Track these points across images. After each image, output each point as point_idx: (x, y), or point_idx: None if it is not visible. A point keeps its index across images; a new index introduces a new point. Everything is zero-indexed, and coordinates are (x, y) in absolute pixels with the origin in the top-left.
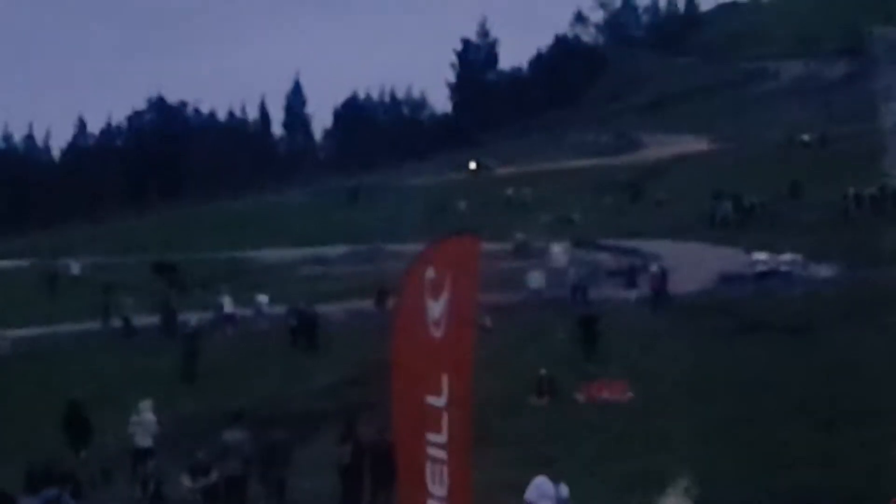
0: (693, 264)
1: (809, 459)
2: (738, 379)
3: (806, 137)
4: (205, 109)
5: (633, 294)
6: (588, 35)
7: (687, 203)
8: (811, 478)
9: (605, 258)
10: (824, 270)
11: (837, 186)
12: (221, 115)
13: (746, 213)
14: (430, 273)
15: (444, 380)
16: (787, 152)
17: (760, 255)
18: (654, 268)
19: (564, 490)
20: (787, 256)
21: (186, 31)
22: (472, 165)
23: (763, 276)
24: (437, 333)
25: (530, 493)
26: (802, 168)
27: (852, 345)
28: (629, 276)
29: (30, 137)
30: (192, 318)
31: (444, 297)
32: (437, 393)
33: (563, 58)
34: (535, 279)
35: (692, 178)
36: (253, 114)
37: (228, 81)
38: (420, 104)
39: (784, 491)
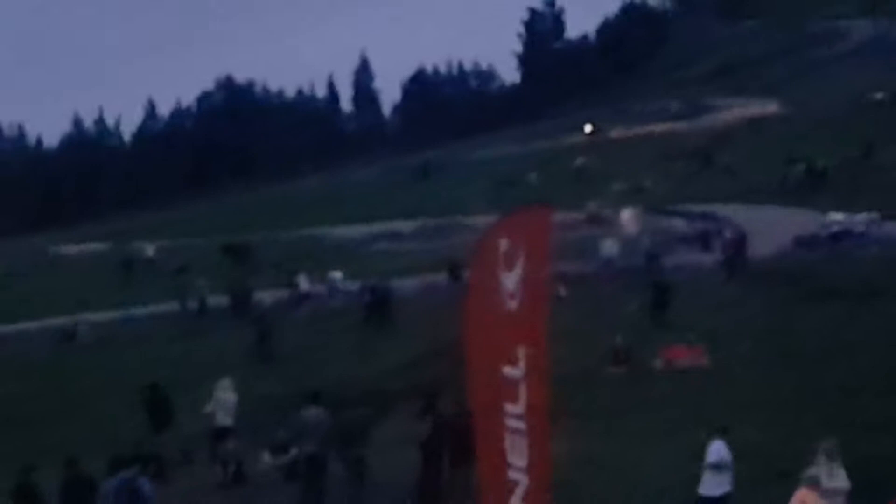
0: (766, 228)
1: (884, 425)
2: (814, 344)
3: (878, 96)
4: (273, 88)
5: (707, 259)
6: (654, 1)
7: (758, 168)
8: (887, 444)
9: (678, 224)
10: None
11: None
12: (290, 94)
13: (819, 176)
14: (503, 245)
15: (520, 351)
16: (858, 113)
17: (835, 216)
18: (729, 232)
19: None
20: (862, 216)
21: (253, 10)
22: (588, 128)
23: (837, 237)
24: (512, 305)
25: (711, 457)
26: (875, 128)
27: None
28: (703, 242)
29: (100, 122)
30: (266, 297)
31: (518, 268)
32: (514, 364)
33: (629, 25)
34: (608, 248)
35: (762, 142)
36: (321, 91)
37: (296, 60)
38: (488, 76)
39: (864, 458)
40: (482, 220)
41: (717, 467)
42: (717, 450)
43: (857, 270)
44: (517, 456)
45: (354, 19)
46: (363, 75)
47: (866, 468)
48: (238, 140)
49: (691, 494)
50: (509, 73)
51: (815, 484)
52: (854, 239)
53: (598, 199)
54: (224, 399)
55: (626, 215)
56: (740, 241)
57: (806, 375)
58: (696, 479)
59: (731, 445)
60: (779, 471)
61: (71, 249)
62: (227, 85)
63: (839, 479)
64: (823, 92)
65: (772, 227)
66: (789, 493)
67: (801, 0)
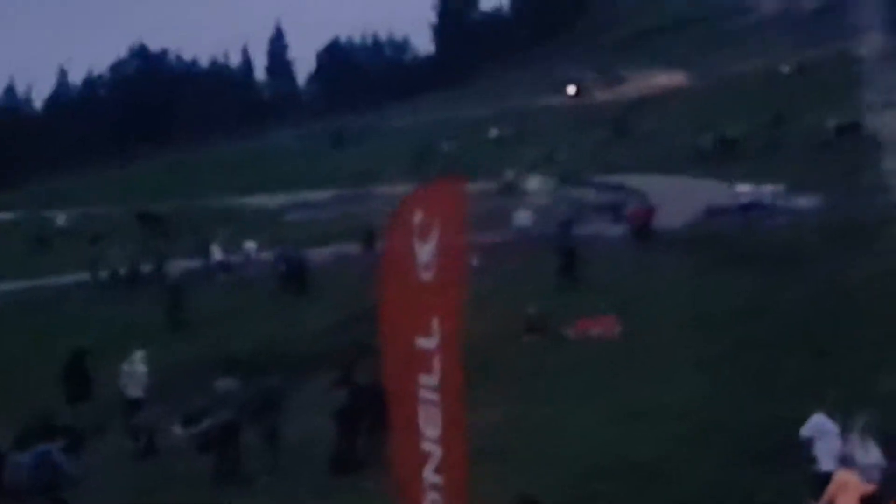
0: (678, 198)
1: (801, 388)
2: (725, 311)
3: (785, 68)
4: (187, 56)
5: (618, 229)
6: None
7: (670, 137)
8: (802, 406)
9: (590, 194)
10: (806, 201)
11: (818, 117)
12: (204, 62)
13: (729, 146)
14: (417, 216)
15: (435, 322)
16: (767, 84)
17: (744, 188)
18: (635, 203)
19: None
20: (769, 188)
21: None
22: (572, 90)
23: (747, 208)
24: (427, 276)
25: (806, 430)
26: (783, 99)
27: (836, 274)
28: (615, 212)
29: (10, 90)
30: (179, 266)
31: (433, 239)
32: (428, 335)
33: None
34: (522, 217)
35: (675, 112)
36: (236, 60)
37: (210, 28)
38: (403, 46)
39: (779, 420)
40: (397, 190)
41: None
42: (817, 423)
43: (766, 240)
44: (431, 427)
45: None
46: (278, 44)
47: (785, 429)
48: (152, 108)
49: (608, 457)
50: (424, 44)
51: (851, 463)
52: (763, 210)
53: (513, 168)
54: (134, 371)
55: (532, 182)
56: (647, 213)
57: (718, 340)
58: (614, 441)
59: (645, 407)
60: (700, 429)
61: None
62: (141, 53)
63: (873, 455)
64: (733, 62)
65: (683, 197)
66: (714, 453)
67: None
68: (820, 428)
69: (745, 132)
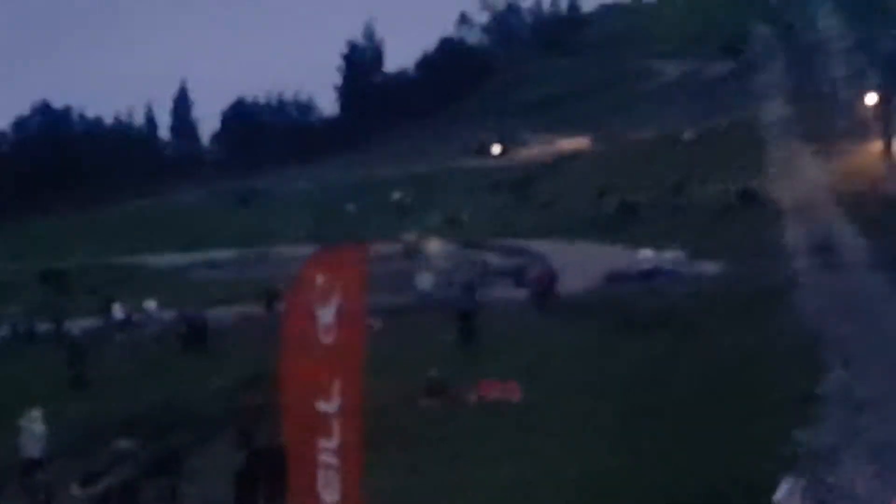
0: (579, 263)
1: (697, 457)
2: (625, 378)
3: (687, 135)
4: (90, 115)
5: (521, 294)
6: (473, 36)
7: (573, 202)
8: (699, 475)
9: (493, 258)
10: (708, 267)
11: (719, 183)
12: (108, 120)
13: (631, 211)
14: (319, 279)
15: (335, 385)
16: (669, 150)
17: (645, 254)
18: (537, 267)
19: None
20: (669, 254)
21: (71, 35)
22: (497, 149)
23: (648, 274)
24: (327, 339)
25: (779, 495)
26: (685, 166)
27: (736, 342)
28: (517, 276)
29: None
30: (79, 324)
31: (334, 302)
32: (328, 398)
33: (448, 59)
34: (424, 280)
35: (578, 177)
36: (139, 119)
37: (114, 86)
38: (307, 107)
39: (676, 488)
40: (300, 250)
41: None
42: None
43: (667, 306)
44: (329, 491)
45: (174, 48)
46: (182, 103)
47: (677, 496)
48: (56, 166)
49: None
50: (329, 105)
51: None
52: (664, 276)
53: (416, 233)
54: (32, 430)
55: (441, 248)
56: (549, 277)
57: (619, 407)
58: None
59: (546, 475)
60: (600, 499)
61: None
62: (44, 110)
63: None
64: (637, 128)
65: (584, 262)
66: None
67: (617, 38)
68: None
69: (647, 197)
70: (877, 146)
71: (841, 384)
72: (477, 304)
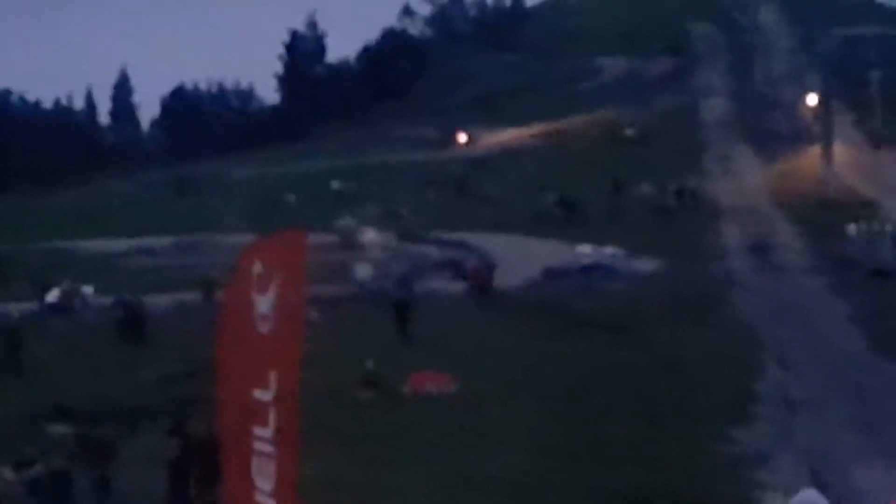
0: (518, 258)
1: (633, 457)
2: (561, 375)
3: (628, 133)
4: (30, 98)
5: (458, 287)
6: (416, 29)
7: (512, 197)
8: (635, 476)
9: (431, 251)
10: (646, 265)
11: (659, 182)
12: (47, 105)
13: (571, 208)
14: (257, 267)
15: (272, 374)
16: (610, 148)
17: (584, 249)
18: (475, 261)
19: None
20: (609, 250)
21: (11, 19)
22: (463, 138)
23: (587, 270)
24: (265, 328)
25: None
26: (625, 163)
27: (673, 342)
28: (455, 270)
29: None
30: (15, 310)
31: (272, 291)
32: (264, 387)
33: (390, 51)
34: (362, 272)
35: (518, 172)
36: (80, 104)
37: (55, 71)
38: (248, 96)
39: (609, 489)
40: (239, 239)
41: None
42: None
43: (605, 304)
44: (264, 479)
45: (115, 33)
46: (122, 90)
47: (616, 498)
48: None
49: None
50: (270, 94)
51: None
52: (603, 272)
53: (355, 222)
54: None
55: (378, 238)
56: (487, 271)
57: (554, 405)
58: None
59: (483, 474)
60: (531, 500)
61: None
62: None
63: None
64: (577, 125)
65: (523, 258)
66: None
67: (560, 35)
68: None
69: (587, 194)
70: (816, 148)
71: (777, 384)
72: (413, 296)
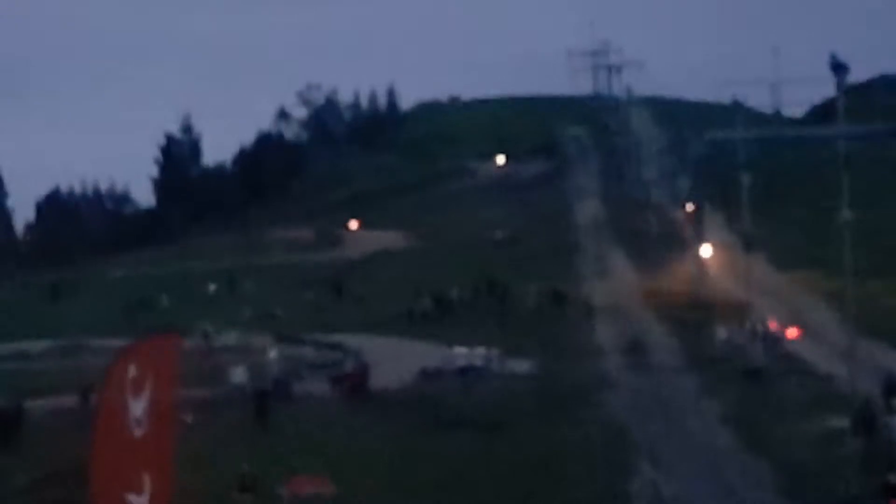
0: (394, 359)
1: None
2: (436, 474)
3: (499, 235)
4: None
5: (335, 388)
6: (291, 132)
7: (388, 298)
8: None
9: (307, 352)
10: (520, 365)
11: (532, 283)
12: None
13: (445, 309)
14: (131, 370)
15: (146, 477)
16: (482, 249)
17: (460, 350)
18: (351, 363)
19: None
20: (482, 351)
21: None
22: (354, 225)
23: (462, 370)
24: (139, 431)
25: None
26: (498, 265)
27: (545, 440)
28: (331, 370)
29: None
30: None
31: (145, 394)
32: (139, 491)
33: (265, 153)
34: (238, 374)
35: (392, 273)
36: None
37: None
38: (123, 198)
39: None
40: (113, 343)
41: None
42: None
43: (479, 404)
44: None
45: None
46: None
47: None
48: None
49: None
50: (145, 197)
51: None
52: (478, 373)
53: (230, 324)
54: None
55: (241, 340)
56: (363, 371)
57: None
58: None
59: None
60: None
61: None
62: None
63: None
64: (451, 227)
65: (399, 358)
66: None
67: (434, 137)
68: None
69: (460, 295)
70: (688, 249)
71: (648, 483)
72: (290, 397)
